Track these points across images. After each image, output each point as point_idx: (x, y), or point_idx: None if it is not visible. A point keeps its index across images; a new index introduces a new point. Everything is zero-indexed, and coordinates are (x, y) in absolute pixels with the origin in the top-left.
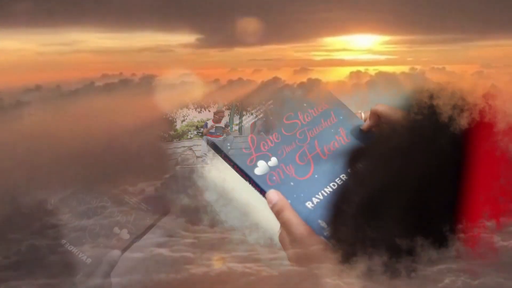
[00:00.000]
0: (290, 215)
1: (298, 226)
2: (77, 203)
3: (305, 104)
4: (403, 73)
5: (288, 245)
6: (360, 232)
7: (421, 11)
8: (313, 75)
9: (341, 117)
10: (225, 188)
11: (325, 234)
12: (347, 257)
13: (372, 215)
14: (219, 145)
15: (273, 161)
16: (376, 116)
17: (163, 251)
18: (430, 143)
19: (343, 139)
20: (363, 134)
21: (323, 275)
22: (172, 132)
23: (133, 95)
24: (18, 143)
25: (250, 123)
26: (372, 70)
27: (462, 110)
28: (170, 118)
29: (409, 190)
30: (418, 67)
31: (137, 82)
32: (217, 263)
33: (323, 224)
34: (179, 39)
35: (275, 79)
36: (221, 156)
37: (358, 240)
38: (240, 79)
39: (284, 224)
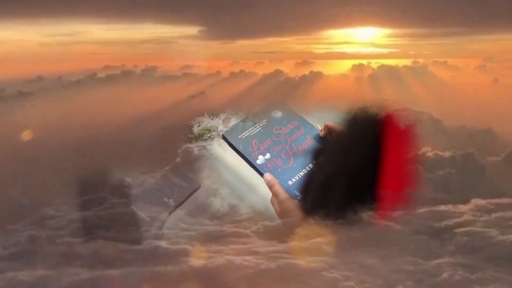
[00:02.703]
0: (278, 188)
1: (283, 194)
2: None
3: (285, 121)
4: (405, 66)
5: (276, 206)
6: (319, 198)
7: (424, 5)
8: (315, 68)
9: (307, 129)
10: (236, 172)
11: (298, 198)
12: (310, 212)
13: (326, 188)
14: (235, 145)
15: (268, 155)
16: (328, 128)
17: (162, 243)
18: (360, 145)
19: (309, 142)
20: (321, 139)
21: (320, 268)
22: (190, 135)
23: (134, 87)
24: (19, 133)
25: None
26: (374, 63)
27: (381, 123)
28: (189, 124)
29: (348, 173)
30: (421, 60)
31: (139, 74)
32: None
33: (297, 193)
34: (182, 31)
35: (277, 72)
36: (236, 152)
37: (318, 202)
38: (242, 71)
39: (274, 193)
